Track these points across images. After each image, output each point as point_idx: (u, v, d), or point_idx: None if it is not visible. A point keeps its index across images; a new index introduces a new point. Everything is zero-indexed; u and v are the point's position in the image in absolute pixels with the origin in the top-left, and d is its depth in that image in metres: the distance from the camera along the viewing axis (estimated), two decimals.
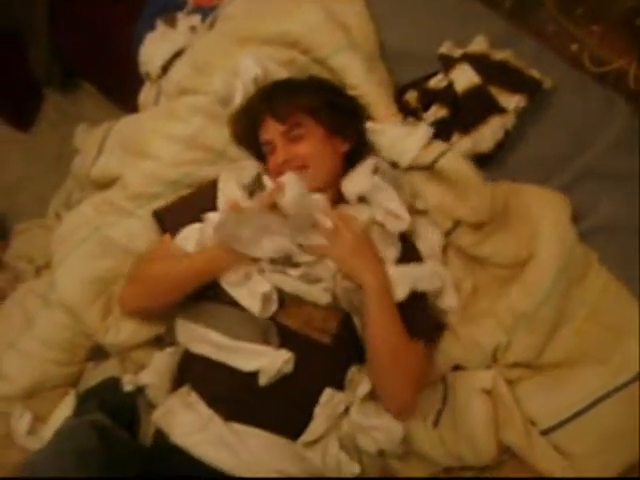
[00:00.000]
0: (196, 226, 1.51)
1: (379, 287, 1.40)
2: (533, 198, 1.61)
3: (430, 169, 1.59)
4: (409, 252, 1.55)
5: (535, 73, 1.66)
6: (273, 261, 1.42)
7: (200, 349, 1.43)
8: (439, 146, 1.60)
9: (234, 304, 1.42)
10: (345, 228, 1.42)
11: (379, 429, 1.40)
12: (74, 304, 1.56)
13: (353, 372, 1.49)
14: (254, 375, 1.36)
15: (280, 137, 1.54)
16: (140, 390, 1.49)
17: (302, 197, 1.38)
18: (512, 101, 1.63)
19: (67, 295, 1.57)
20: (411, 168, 1.61)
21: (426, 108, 1.69)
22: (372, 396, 1.44)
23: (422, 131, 1.59)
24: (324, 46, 1.67)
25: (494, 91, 1.64)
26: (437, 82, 1.68)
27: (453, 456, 1.45)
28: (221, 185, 1.58)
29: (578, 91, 1.72)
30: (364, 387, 1.43)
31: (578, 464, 1.42)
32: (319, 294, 1.42)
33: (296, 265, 1.43)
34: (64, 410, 1.52)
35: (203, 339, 1.42)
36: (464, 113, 1.64)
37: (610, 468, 1.42)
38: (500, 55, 1.67)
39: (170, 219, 1.60)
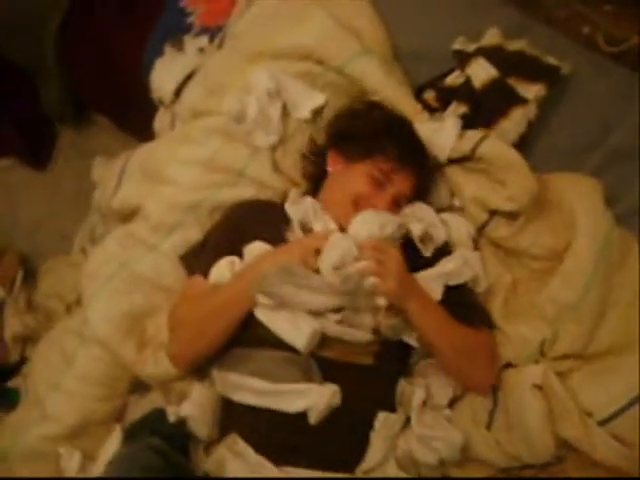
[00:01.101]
0: (228, 259, 1.49)
1: (423, 306, 1.39)
2: (564, 185, 1.59)
3: (470, 159, 1.58)
4: (438, 251, 1.54)
5: (552, 60, 1.64)
6: None
7: (241, 397, 1.38)
8: (476, 134, 1.59)
9: (268, 346, 1.38)
10: (388, 259, 1.35)
11: (439, 439, 1.38)
12: (108, 340, 1.55)
13: (403, 385, 1.46)
14: (301, 415, 1.32)
15: (397, 192, 1.51)
16: (184, 421, 1.47)
17: (343, 263, 1.33)
18: (532, 90, 1.61)
19: (100, 332, 1.55)
20: (450, 161, 1.60)
21: (445, 106, 1.67)
22: (427, 405, 1.43)
23: (452, 123, 1.59)
24: (338, 55, 1.66)
25: (513, 82, 1.62)
26: (454, 79, 1.67)
27: (510, 456, 1.43)
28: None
29: (596, 73, 1.71)
30: (418, 397, 1.41)
31: (637, 451, 1.38)
32: (360, 335, 1.39)
33: (337, 310, 1.39)
34: (112, 446, 1.50)
35: (242, 387, 1.38)
36: (485, 107, 1.62)
37: None
38: (515, 45, 1.66)
39: (198, 262, 1.56)
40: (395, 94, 1.65)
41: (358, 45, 1.67)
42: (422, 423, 1.39)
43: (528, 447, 1.40)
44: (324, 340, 1.37)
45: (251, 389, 1.36)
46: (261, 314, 1.39)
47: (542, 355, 1.49)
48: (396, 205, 1.52)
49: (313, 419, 1.32)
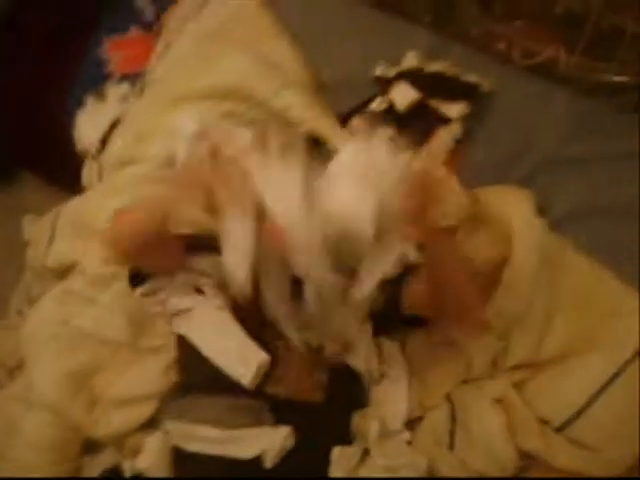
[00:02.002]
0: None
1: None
2: (495, 198, 1.62)
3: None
4: None
5: (472, 78, 1.68)
6: None
7: (193, 446, 1.34)
8: (403, 155, 1.58)
9: (217, 391, 1.35)
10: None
11: (404, 466, 1.37)
12: (56, 403, 1.48)
13: (356, 419, 1.45)
14: (256, 460, 1.29)
15: None
16: (140, 476, 1.43)
17: None
18: (454, 109, 1.65)
19: (47, 395, 1.49)
20: None
21: (371, 132, 1.68)
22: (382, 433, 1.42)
23: (377, 144, 1.59)
24: (262, 90, 1.67)
25: (435, 103, 1.66)
26: (378, 104, 1.70)
27: (476, 474, 1.42)
28: None
29: (514, 87, 1.76)
30: (373, 429, 1.39)
31: (598, 453, 1.40)
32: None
33: None
34: None
35: (194, 436, 1.34)
36: (410, 130, 1.64)
37: (630, 449, 1.40)
38: (434, 67, 1.70)
39: None
40: (320, 125, 1.65)
41: (280, 79, 1.68)
42: (384, 454, 1.38)
43: (492, 462, 1.40)
44: (269, 372, 1.35)
45: (202, 438, 1.33)
46: (203, 345, 1.37)
47: (494, 368, 1.50)
48: None
49: (268, 462, 1.29)
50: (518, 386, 1.48)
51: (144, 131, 1.72)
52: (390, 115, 1.67)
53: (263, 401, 1.34)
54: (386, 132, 1.65)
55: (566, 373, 1.46)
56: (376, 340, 1.52)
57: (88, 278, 1.63)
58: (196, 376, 1.40)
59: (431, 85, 1.67)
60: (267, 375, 1.35)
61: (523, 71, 1.80)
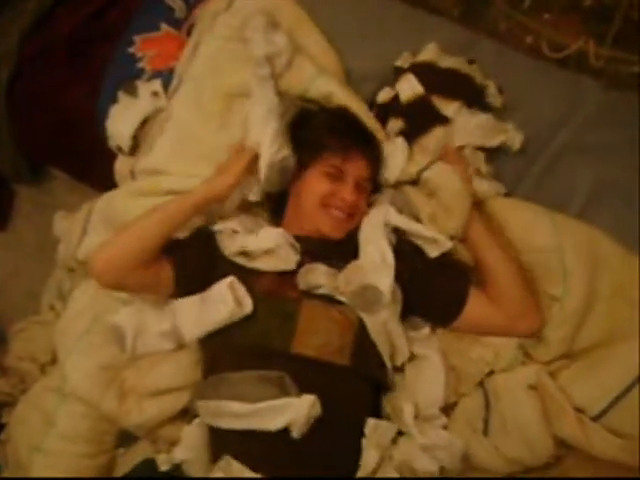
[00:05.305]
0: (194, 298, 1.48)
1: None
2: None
3: (417, 182, 1.60)
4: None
5: (480, 78, 1.67)
6: None
7: (224, 423, 1.37)
8: (422, 159, 1.60)
9: (240, 367, 1.38)
10: None
11: (441, 447, 1.38)
12: (88, 395, 1.52)
13: (390, 401, 1.47)
14: (285, 431, 1.31)
15: (356, 178, 1.53)
16: (178, 467, 1.44)
17: None
18: (451, 108, 1.62)
19: (80, 387, 1.53)
20: (399, 182, 1.61)
21: (383, 122, 1.67)
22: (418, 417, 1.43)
23: (400, 144, 1.59)
24: (299, 81, 1.66)
25: (437, 100, 1.63)
26: (384, 95, 1.69)
27: (511, 461, 1.42)
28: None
29: (543, 80, 1.75)
30: (408, 411, 1.41)
31: (635, 441, 1.38)
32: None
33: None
34: None
35: (223, 412, 1.36)
36: (410, 123, 1.63)
37: None
38: (447, 62, 1.67)
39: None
40: (361, 110, 1.65)
41: (314, 68, 1.66)
42: (422, 433, 1.39)
43: (527, 449, 1.41)
44: (298, 332, 1.38)
45: (231, 413, 1.35)
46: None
47: (531, 359, 1.50)
48: (361, 189, 1.54)
49: (296, 433, 1.30)
50: (552, 374, 1.47)
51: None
52: (394, 106, 1.65)
53: (286, 365, 1.35)
54: (395, 123, 1.65)
55: (602, 362, 1.45)
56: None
57: None
58: (223, 356, 1.44)
59: (437, 81, 1.64)
60: (296, 335, 1.38)
61: (551, 64, 1.80)
